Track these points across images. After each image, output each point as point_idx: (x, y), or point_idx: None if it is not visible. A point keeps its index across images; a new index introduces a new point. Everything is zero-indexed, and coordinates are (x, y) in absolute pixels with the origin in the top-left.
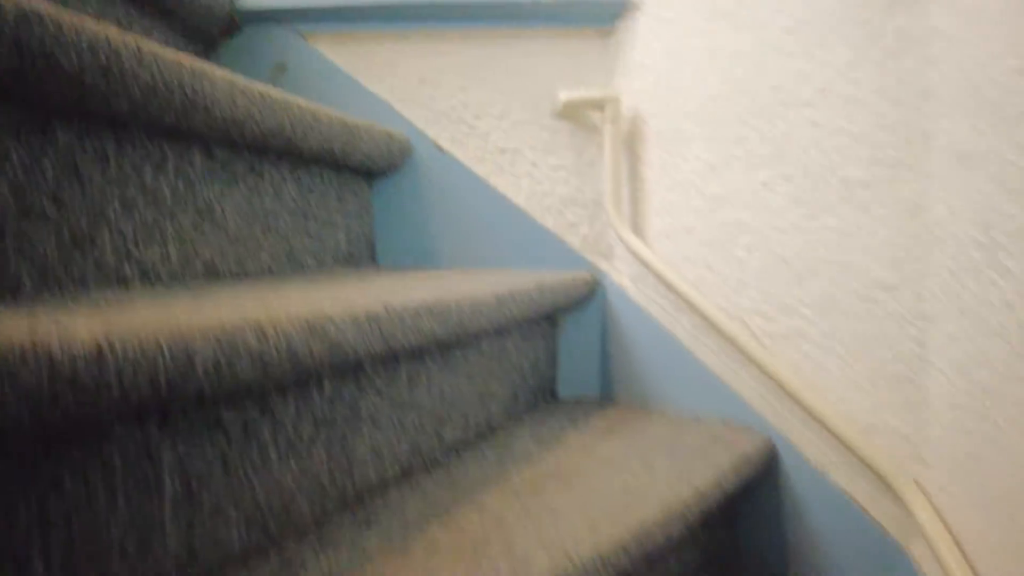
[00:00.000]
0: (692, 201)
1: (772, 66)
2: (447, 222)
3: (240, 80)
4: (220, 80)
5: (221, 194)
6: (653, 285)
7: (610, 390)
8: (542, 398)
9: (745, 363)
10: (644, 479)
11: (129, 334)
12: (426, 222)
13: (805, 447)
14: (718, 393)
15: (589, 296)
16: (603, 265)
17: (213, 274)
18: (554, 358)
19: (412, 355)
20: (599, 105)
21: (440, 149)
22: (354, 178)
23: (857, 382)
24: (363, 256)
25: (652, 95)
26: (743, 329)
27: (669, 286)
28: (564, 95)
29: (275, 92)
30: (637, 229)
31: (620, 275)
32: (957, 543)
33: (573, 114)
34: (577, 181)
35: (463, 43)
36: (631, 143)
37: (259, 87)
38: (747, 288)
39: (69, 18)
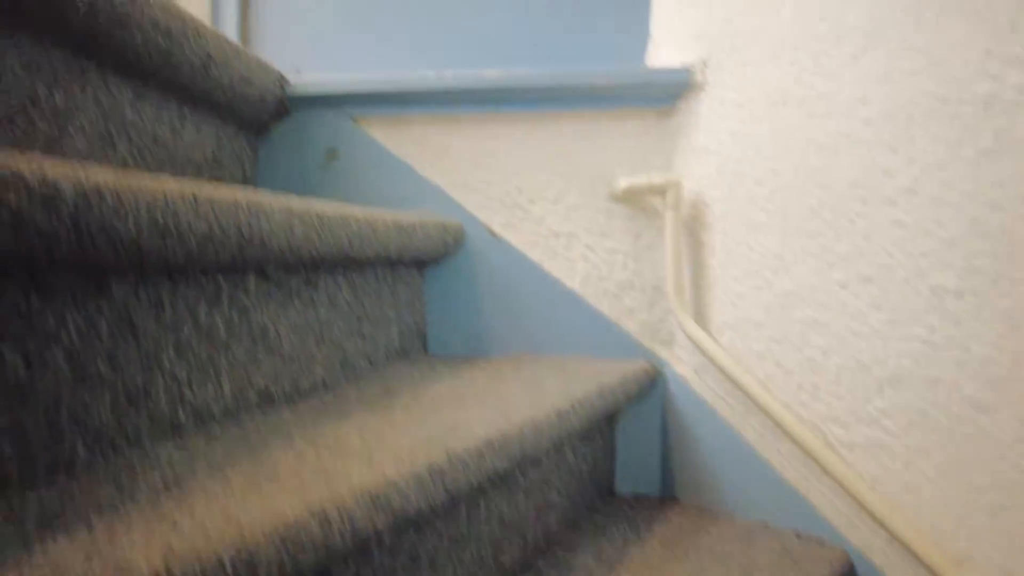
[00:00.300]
0: (761, 294)
1: (850, 159)
2: (500, 307)
3: (296, 205)
4: (277, 211)
5: (276, 315)
6: (717, 378)
7: (671, 486)
8: (599, 497)
9: (819, 471)
10: None
11: (190, 553)
12: (479, 308)
13: (888, 569)
14: (789, 500)
15: (649, 387)
16: (663, 353)
17: (267, 401)
18: (612, 453)
19: (472, 491)
20: (660, 190)
21: (493, 234)
22: (407, 270)
23: (949, 506)
24: (415, 347)
25: (716, 180)
26: (817, 435)
27: (735, 383)
28: (624, 181)
29: (331, 210)
30: (700, 318)
31: (681, 364)
32: None
33: (631, 198)
34: (635, 265)
35: (517, 126)
36: (693, 228)
37: (316, 209)
38: (821, 392)
39: (127, 183)
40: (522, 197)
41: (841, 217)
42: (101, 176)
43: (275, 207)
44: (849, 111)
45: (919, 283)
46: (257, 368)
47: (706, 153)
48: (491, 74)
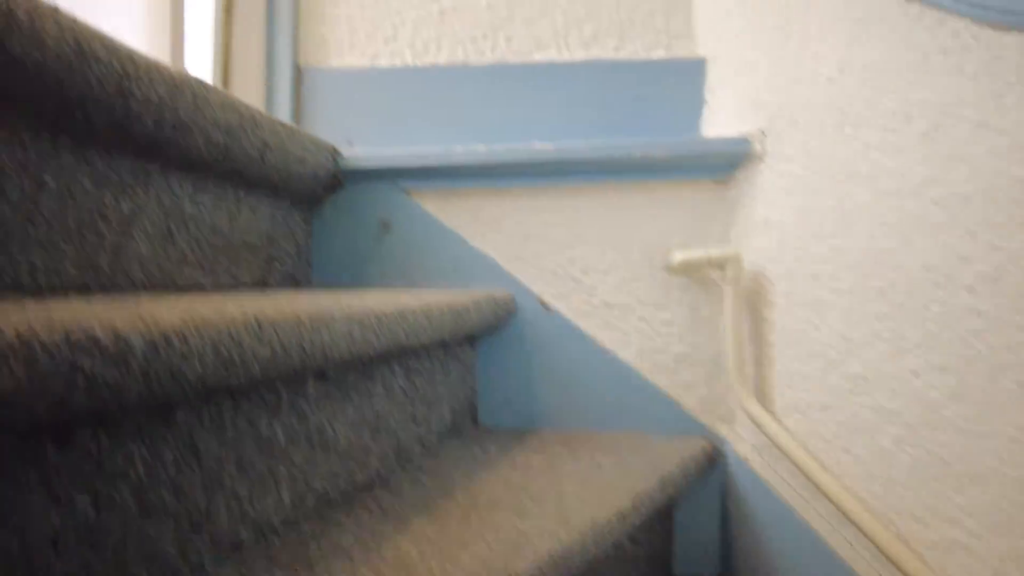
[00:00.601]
0: (828, 377)
1: (923, 241)
2: (552, 380)
3: (356, 309)
4: (338, 320)
5: (333, 414)
6: (781, 461)
7: (731, 569)
8: None
9: (893, 569)
10: None
11: None
12: (530, 380)
13: None
14: None
15: (709, 468)
16: (722, 430)
17: (325, 503)
18: (670, 536)
19: None
20: (718, 264)
21: (545, 307)
22: (459, 347)
23: None
24: (465, 421)
25: (777, 254)
26: (890, 529)
27: (800, 468)
28: (680, 254)
29: (389, 307)
30: (762, 396)
31: (743, 443)
32: None
33: (687, 269)
34: (692, 338)
35: (569, 197)
36: (753, 302)
37: (375, 309)
38: (895, 485)
39: (192, 320)
40: (575, 268)
41: (913, 302)
42: (167, 317)
43: (336, 316)
44: (920, 191)
45: (1003, 377)
46: (315, 471)
47: (766, 226)
48: (542, 148)
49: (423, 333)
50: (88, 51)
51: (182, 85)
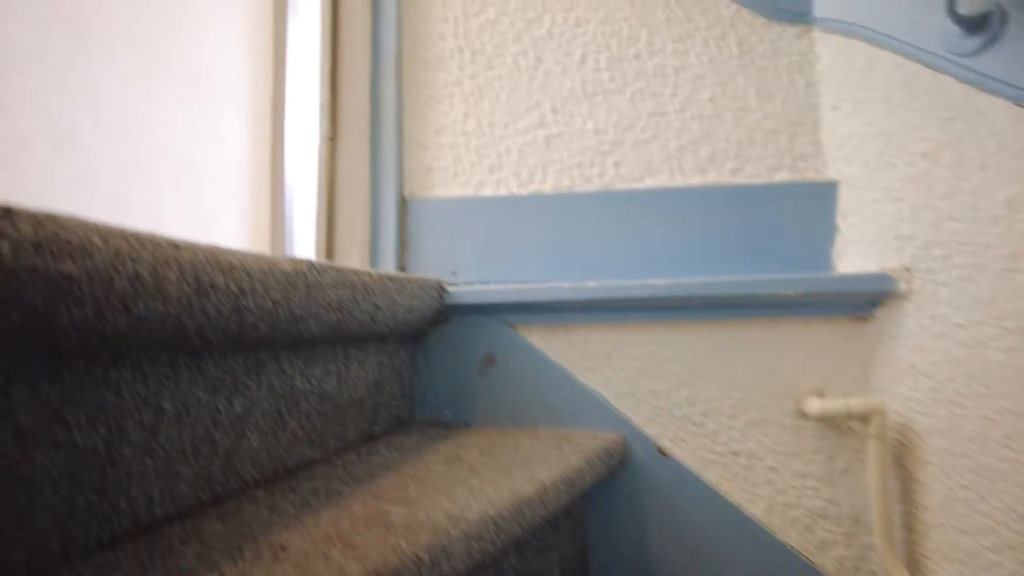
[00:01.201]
0: (1002, 559)
1: None
2: (668, 533)
3: (474, 519)
4: (458, 544)
5: None
6: None
7: None
8: None
9: None
10: None
11: None
12: (644, 532)
13: None
14: None
15: None
16: None
17: None
18: None
19: None
20: (860, 416)
21: (662, 452)
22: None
23: None
24: None
25: (930, 407)
26: None
27: None
28: (817, 405)
29: (506, 501)
30: (913, 566)
31: None
32: None
33: (824, 419)
34: (828, 492)
35: (687, 332)
36: (899, 457)
37: (493, 513)
38: None
39: None
40: (694, 410)
41: None
42: None
43: (455, 537)
44: None
45: None
46: None
47: (915, 374)
48: (655, 284)
49: (538, 517)
50: (206, 282)
51: (295, 280)
